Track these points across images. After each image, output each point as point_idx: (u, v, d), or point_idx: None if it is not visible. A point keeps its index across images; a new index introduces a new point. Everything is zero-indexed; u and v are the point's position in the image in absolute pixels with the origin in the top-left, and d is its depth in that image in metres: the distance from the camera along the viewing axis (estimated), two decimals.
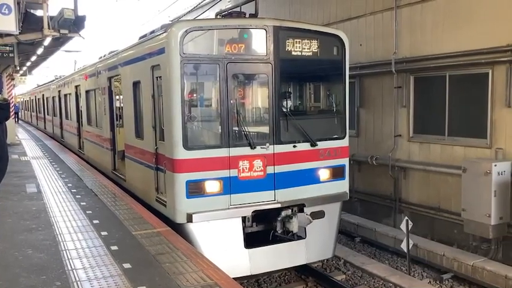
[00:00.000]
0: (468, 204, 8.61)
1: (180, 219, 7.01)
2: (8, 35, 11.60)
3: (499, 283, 7.83)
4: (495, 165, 8.15)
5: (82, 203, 8.33)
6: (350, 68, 8.47)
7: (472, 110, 9.18)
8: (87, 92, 14.00)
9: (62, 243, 6.04)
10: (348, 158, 8.33)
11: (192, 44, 6.95)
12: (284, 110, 7.57)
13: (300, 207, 7.67)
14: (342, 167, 8.20)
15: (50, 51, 20.08)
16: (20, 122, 41.77)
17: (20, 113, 45.40)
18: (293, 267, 8.22)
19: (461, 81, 9.38)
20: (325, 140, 7.96)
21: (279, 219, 7.52)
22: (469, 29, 9.01)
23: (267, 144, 7.37)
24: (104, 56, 12.46)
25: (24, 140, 22.63)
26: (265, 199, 7.40)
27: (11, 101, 20.37)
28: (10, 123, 20.25)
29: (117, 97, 11.61)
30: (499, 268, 8.03)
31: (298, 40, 7.58)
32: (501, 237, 8.60)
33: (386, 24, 10.97)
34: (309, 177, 7.79)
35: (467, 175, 8.59)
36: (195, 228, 7.02)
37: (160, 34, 7.48)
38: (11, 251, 5.74)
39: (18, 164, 13.52)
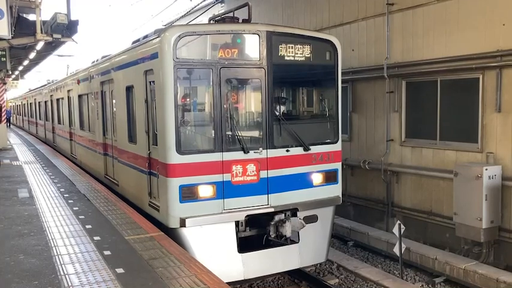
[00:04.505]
0: (460, 208, 8.68)
1: (173, 224, 7.01)
2: (0, 39, 11.54)
3: (490, 286, 7.88)
4: (486, 170, 8.23)
5: (74, 208, 8.30)
6: (342, 73, 8.53)
7: (463, 114, 9.27)
8: (79, 96, 13.96)
9: (54, 248, 6.01)
10: (340, 163, 8.37)
11: (185, 48, 6.97)
12: (277, 114, 7.60)
13: (293, 211, 7.69)
14: (335, 171, 8.23)
15: (42, 55, 19.99)
16: (11, 126, 41.52)
17: (11, 118, 45.10)
18: (286, 271, 8.25)
19: (452, 86, 9.47)
20: (318, 144, 8.00)
21: (272, 223, 7.53)
22: (459, 34, 9.11)
23: (260, 149, 7.39)
24: (97, 60, 12.45)
25: (16, 144, 22.49)
26: (259, 203, 7.42)
27: (2, 106, 20.26)
28: (2, 127, 20.22)
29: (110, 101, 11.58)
30: (490, 271, 8.09)
31: (291, 45, 7.63)
32: (492, 241, 8.67)
33: (378, 30, 11.07)
34: (302, 182, 7.82)
35: (458, 179, 8.66)
36: (188, 233, 7.01)
37: (153, 39, 7.49)
38: (2, 257, 5.71)
39: (10, 169, 13.44)
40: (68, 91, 15.84)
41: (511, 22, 8.21)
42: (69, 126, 16.10)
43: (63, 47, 18.02)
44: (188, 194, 6.98)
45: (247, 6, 7.80)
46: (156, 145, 7.45)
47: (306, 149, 7.81)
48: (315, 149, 7.91)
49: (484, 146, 8.80)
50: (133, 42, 9.18)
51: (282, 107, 7.84)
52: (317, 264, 8.99)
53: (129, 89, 8.93)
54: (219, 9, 19.31)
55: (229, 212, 7.22)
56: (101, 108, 11.22)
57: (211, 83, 7.18)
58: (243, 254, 7.33)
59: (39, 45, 14.16)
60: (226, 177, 7.18)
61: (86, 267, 5.28)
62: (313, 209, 7.93)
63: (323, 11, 12.91)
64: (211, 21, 8.22)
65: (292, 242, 7.72)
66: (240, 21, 7.79)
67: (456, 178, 8.71)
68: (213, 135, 7.24)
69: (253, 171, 7.35)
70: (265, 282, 8.52)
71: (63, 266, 5.35)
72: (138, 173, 8.43)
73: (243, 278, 7.40)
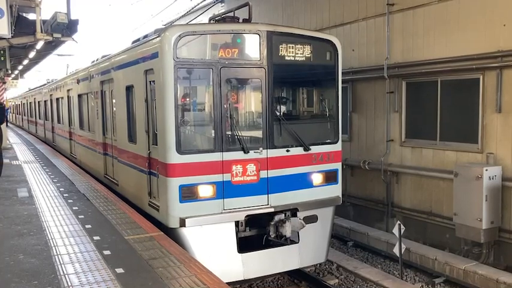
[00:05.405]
0: (460, 208, 8.68)
1: (173, 223, 7.00)
2: (0, 38, 11.52)
3: (490, 287, 7.88)
4: (486, 170, 8.23)
5: (74, 208, 8.28)
6: (343, 73, 8.52)
7: (464, 115, 9.27)
8: (79, 96, 13.95)
9: (53, 248, 6.00)
10: (340, 163, 8.36)
11: (185, 48, 6.96)
12: (277, 114, 7.59)
13: (293, 211, 7.68)
14: (335, 171, 8.23)
15: (42, 55, 19.96)
16: (9, 125, 41.45)
17: (8, 116, 44.95)
18: (286, 271, 8.23)
19: (452, 86, 9.47)
20: (318, 144, 7.99)
21: (272, 223, 7.52)
22: (460, 34, 9.10)
23: (260, 149, 7.38)
24: (97, 60, 12.43)
25: (16, 144, 22.47)
26: (259, 203, 7.40)
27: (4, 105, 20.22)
28: (2, 127, 20.17)
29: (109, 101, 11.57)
30: (490, 272, 8.08)
31: (291, 45, 7.62)
32: (492, 241, 8.67)
33: (378, 30, 11.06)
34: (302, 182, 7.80)
35: (458, 180, 8.66)
36: (188, 233, 7.00)
37: (153, 38, 7.48)
38: (2, 256, 5.69)
39: (10, 168, 13.42)
40: (68, 90, 15.83)
41: (511, 22, 8.20)
42: (69, 125, 16.09)
43: (63, 46, 18.01)
44: (188, 193, 6.97)
45: (247, 6, 7.79)
46: (156, 145, 7.44)
47: (306, 149, 7.80)
48: (315, 149, 7.90)
49: (484, 147, 8.80)
50: (133, 42, 9.17)
51: (282, 107, 7.83)
52: (317, 265, 8.98)
53: (129, 89, 8.91)
54: (219, 9, 19.30)
55: (229, 212, 7.21)
56: (100, 107, 11.21)
57: (211, 83, 7.17)
58: (242, 254, 7.32)
59: (39, 45, 14.14)
60: (226, 177, 7.17)
61: (86, 267, 5.27)
62: (313, 209, 7.92)
63: (323, 11, 12.91)
64: (212, 21, 8.21)
65: (292, 242, 7.71)
66: (241, 21, 7.78)
67: (456, 178, 8.70)
68: (213, 135, 7.23)
69: (253, 171, 7.34)
70: (265, 282, 8.52)
71: (62, 265, 5.34)
72: (138, 173, 8.42)
73: (242, 278, 7.39)
